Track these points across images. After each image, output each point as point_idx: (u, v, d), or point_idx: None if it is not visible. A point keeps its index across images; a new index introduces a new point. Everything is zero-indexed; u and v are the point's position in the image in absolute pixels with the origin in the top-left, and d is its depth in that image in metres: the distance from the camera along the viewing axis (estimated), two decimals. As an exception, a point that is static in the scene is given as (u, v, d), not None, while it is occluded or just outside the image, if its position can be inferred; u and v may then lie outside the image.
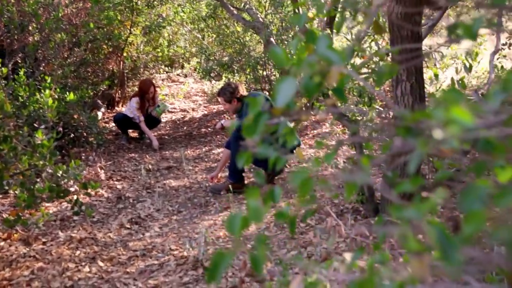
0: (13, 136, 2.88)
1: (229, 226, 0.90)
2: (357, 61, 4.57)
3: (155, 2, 7.19)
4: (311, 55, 1.02)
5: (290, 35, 6.41)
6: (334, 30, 2.97)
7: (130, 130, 6.65)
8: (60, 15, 5.35)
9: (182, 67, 9.93)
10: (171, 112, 7.94)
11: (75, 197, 3.49)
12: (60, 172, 3.13)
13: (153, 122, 6.61)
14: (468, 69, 3.55)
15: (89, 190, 3.20)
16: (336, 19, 5.23)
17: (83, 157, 5.40)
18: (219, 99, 4.84)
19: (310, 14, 3.39)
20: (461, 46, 8.45)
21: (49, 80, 5.22)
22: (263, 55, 6.90)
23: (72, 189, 3.96)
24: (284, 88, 0.91)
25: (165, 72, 9.59)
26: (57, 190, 3.06)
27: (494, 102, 0.82)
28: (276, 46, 1.02)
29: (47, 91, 3.49)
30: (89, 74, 7.02)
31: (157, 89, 8.82)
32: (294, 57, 1.22)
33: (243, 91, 4.75)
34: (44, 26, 5.41)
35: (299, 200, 0.97)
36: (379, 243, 1.30)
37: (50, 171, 3.24)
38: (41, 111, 4.58)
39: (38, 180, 3.35)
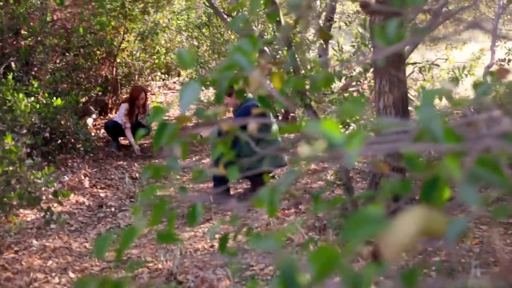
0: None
1: (96, 248, 0.81)
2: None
3: (150, 9, 7.13)
4: (226, 59, 0.94)
5: (282, 44, 6.34)
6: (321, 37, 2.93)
7: (121, 138, 6.57)
8: (48, 19, 5.28)
9: (179, 75, 9.87)
10: (165, 120, 7.85)
11: (55, 205, 3.41)
12: (32, 178, 3.04)
13: (144, 131, 6.52)
14: (455, 82, 3.45)
15: (59, 198, 3.11)
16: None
17: (69, 164, 5.31)
18: None
19: (291, 22, 3.32)
20: (459, 59, 8.36)
21: (36, 85, 5.17)
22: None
23: (49, 197, 3.88)
24: (187, 93, 0.83)
25: (161, 80, 9.53)
26: (28, 198, 2.97)
27: (422, 116, 0.72)
28: (183, 51, 0.94)
29: (21, 95, 3.41)
30: (82, 79, 6.96)
31: (152, 96, 8.76)
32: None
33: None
34: (33, 30, 5.35)
35: (151, 221, 0.88)
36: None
37: (22, 176, 3.16)
38: (18, 111, 4.48)
39: (18, 187, 3.27)
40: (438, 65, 7.71)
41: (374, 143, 0.63)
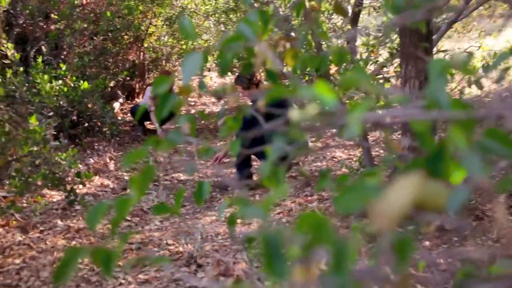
0: (6, 120, 2.84)
1: (88, 219, 0.79)
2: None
3: (177, -7, 7.13)
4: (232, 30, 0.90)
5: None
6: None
7: (147, 122, 6.62)
8: (76, 2, 5.32)
9: (206, 60, 9.87)
10: (191, 105, 7.88)
11: (80, 187, 3.45)
12: (56, 159, 3.08)
13: (169, 114, 6.54)
14: (486, 69, 3.33)
15: (83, 180, 3.14)
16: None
17: (95, 147, 5.38)
18: (237, 88, 4.66)
19: (314, 4, 3.25)
20: (493, 47, 8.12)
21: (64, 68, 5.23)
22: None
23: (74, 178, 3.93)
24: (188, 64, 0.80)
25: (189, 65, 9.55)
26: (51, 178, 3.01)
27: (431, 87, 0.68)
28: (186, 21, 0.91)
29: (46, 77, 3.44)
30: (110, 64, 7.02)
31: (179, 82, 8.78)
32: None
33: (260, 76, 4.53)
34: (62, 14, 5.41)
35: (136, 188, 0.86)
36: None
37: (49, 157, 3.20)
38: (43, 92, 4.53)
39: (42, 167, 3.31)
40: (470, 53, 7.49)
41: (379, 112, 0.59)
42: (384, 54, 3.78)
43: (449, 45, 9.33)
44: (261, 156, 4.63)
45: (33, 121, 2.88)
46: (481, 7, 8.08)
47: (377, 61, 3.20)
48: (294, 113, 0.55)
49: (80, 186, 3.96)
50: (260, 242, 0.50)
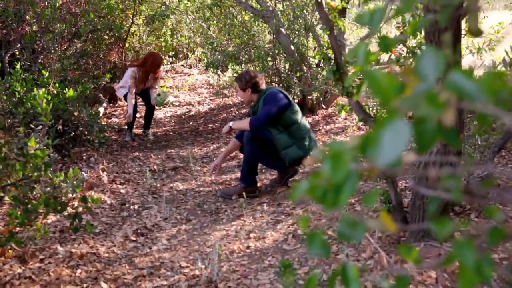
0: (3, 145, 2.53)
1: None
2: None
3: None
4: (420, 84, 0.67)
5: (303, 26, 6.03)
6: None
7: (134, 125, 6.30)
8: (57, 4, 4.96)
9: (186, 57, 9.55)
10: (176, 106, 7.58)
11: (79, 210, 3.15)
12: (57, 180, 2.78)
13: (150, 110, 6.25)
14: (509, 64, 3.18)
15: (89, 204, 2.85)
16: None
17: (84, 157, 5.05)
18: (236, 85, 4.48)
19: (332, 3, 3.03)
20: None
21: (46, 75, 4.88)
22: (272, 46, 6.52)
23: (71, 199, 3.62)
24: (391, 137, 0.56)
25: (169, 63, 9.21)
26: (54, 204, 2.72)
27: None
28: (375, 70, 0.66)
29: (42, 91, 3.12)
30: (90, 66, 6.66)
31: (160, 81, 8.46)
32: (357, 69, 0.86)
33: (262, 82, 4.32)
34: (41, 15, 5.03)
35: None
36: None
37: (48, 180, 2.90)
38: (39, 109, 4.22)
39: (36, 189, 3.00)
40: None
41: None
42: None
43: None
44: (269, 163, 4.41)
45: (32, 144, 2.58)
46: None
47: (398, 60, 3.00)
48: None
49: (75, 204, 3.66)
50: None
